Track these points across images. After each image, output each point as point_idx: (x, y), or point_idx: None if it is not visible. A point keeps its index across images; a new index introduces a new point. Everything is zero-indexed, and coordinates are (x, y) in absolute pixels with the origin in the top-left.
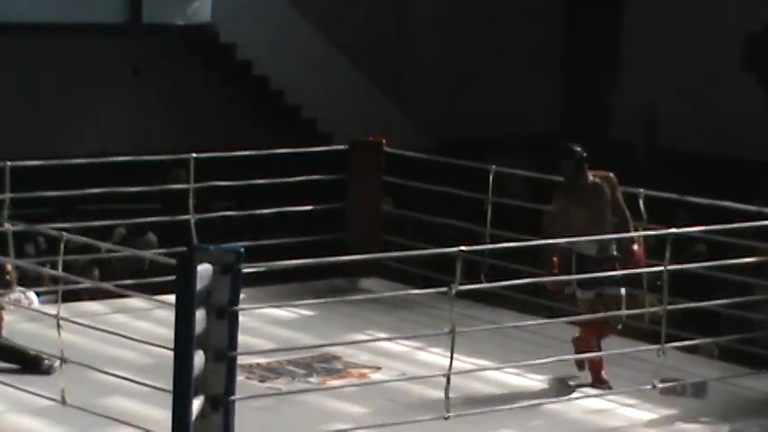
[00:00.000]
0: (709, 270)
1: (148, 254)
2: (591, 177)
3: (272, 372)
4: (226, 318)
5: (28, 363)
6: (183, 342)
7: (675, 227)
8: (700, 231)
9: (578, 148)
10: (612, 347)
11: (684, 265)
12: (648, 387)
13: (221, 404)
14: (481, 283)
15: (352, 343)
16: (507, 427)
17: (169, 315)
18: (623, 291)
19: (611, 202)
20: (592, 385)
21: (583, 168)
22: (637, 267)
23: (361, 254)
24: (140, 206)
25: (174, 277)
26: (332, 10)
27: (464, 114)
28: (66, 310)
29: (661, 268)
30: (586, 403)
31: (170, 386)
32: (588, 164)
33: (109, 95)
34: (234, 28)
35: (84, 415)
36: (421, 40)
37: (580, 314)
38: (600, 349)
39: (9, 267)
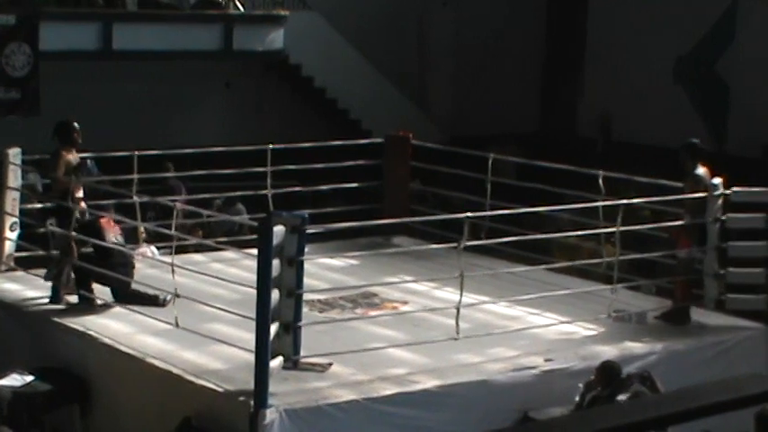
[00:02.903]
0: (650, 230)
1: (238, 218)
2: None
3: (328, 305)
4: (294, 265)
5: (150, 300)
6: (263, 283)
7: (626, 199)
8: (643, 202)
9: (690, 142)
10: (577, 287)
11: (632, 227)
12: (604, 316)
13: (291, 328)
14: (482, 240)
15: (387, 284)
16: (501, 346)
17: (253, 263)
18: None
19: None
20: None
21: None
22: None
23: (393, 219)
24: (233, 183)
25: (256, 236)
26: (371, 38)
27: (470, 115)
28: (177, 259)
29: (614, 229)
30: (559, 328)
31: (254, 315)
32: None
33: (207, 102)
34: (300, 53)
35: (191, 335)
36: (437, 59)
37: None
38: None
39: (141, 229)
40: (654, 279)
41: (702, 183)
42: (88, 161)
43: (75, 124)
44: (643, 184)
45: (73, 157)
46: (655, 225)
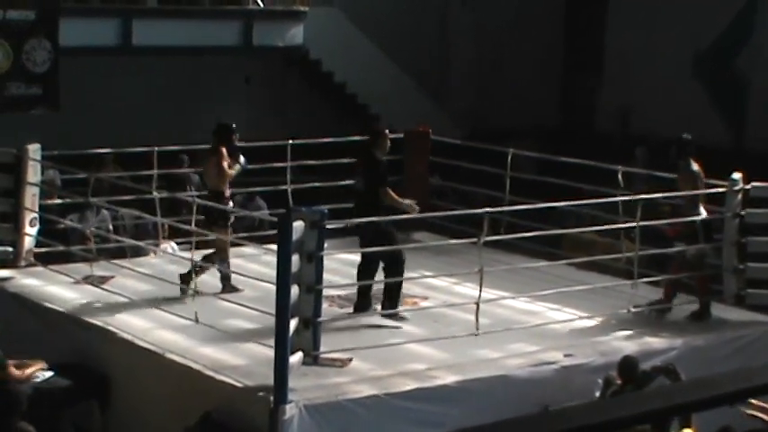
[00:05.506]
0: (669, 225)
1: (258, 214)
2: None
3: (348, 301)
4: (314, 261)
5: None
6: (283, 279)
7: (645, 193)
8: (662, 197)
9: (681, 138)
10: (597, 282)
11: (651, 222)
12: (624, 311)
13: (311, 324)
14: (501, 235)
15: (406, 279)
16: (520, 341)
17: (272, 259)
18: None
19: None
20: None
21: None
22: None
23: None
24: (253, 179)
25: (276, 231)
26: (390, 33)
27: (488, 110)
28: (197, 255)
29: (635, 224)
30: (579, 323)
31: (273, 311)
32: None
33: (228, 98)
34: (320, 48)
35: (211, 331)
36: (456, 55)
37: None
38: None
39: (165, 225)
40: (668, 275)
41: (699, 178)
42: (241, 157)
43: (234, 126)
44: (661, 178)
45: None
46: (674, 221)
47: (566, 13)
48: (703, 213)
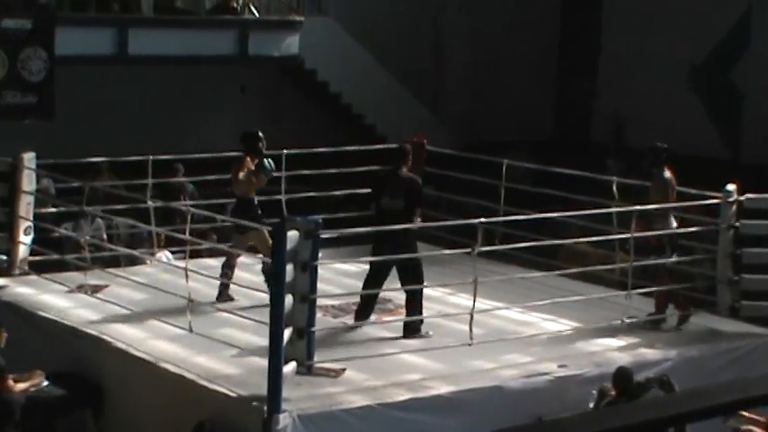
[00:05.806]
0: (663, 236)
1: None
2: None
3: (342, 310)
4: (308, 271)
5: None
6: (277, 288)
7: (639, 204)
8: (655, 209)
9: (656, 145)
10: (591, 293)
11: (646, 233)
12: (618, 322)
13: (305, 334)
14: (496, 245)
15: (401, 289)
16: (514, 352)
17: None
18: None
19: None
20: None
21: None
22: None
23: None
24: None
25: (270, 240)
26: (386, 43)
27: (483, 114)
28: (191, 264)
29: (629, 235)
30: (573, 334)
31: (267, 320)
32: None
33: (223, 107)
34: (315, 58)
35: (205, 341)
36: (451, 58)
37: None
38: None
39: (162, 235)
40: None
41: (671, 186)
42: (266, 160)
43: (261, 134)
44: (636, 189)
45: (253, 164)
46: (667, 231)
47: (561, 25)
48: (674, 223)
